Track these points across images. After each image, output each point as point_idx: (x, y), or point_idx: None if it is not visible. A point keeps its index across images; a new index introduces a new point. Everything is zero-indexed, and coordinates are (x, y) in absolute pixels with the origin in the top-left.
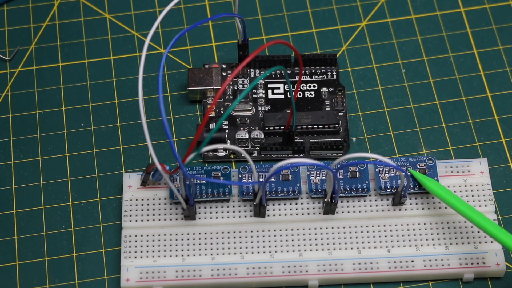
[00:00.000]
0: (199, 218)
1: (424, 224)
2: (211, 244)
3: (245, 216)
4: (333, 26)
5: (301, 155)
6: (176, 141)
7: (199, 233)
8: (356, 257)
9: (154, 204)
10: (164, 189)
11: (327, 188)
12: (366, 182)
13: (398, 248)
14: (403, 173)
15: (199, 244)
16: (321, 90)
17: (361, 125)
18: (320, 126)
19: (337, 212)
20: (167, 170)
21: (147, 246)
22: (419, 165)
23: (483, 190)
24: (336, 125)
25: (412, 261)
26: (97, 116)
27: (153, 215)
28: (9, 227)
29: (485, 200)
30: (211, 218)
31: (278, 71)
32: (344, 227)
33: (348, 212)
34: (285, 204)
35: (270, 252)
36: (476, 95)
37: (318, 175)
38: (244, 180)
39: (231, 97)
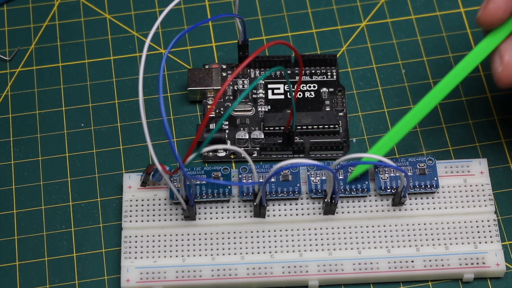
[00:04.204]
0: (199, 219)
1: (424, 224)
2: (211, 244)
3: (245, 217)
4: (333, 26)
5: (301, 155)
6: (176, 141)
7: (199, 234)
8: (356, 257)
9: (154, 205)
10: (164, 190)
11: (327, 188)
12: (366, 183)
13: (398, 248)
14: (403, 173)
15: (199, 245)
16: (321, 91)
17: (361, 125)
18: (320, 126)
19: (337, 213)
20: (167, 170)
21: (147, 246)
22: (419, 165)
23: (483, 190)
24: (336, 126)
25: (412, 261)
26: (97, 116)
27: (153, 215)
28: (9, 227)
29: (485, 200)
30: (211, 218)
31: (278, 71)
32: (344, 227)
33: (348, 212)
34: (285, 205)
35: (270, 252)
36: (476, 95)
37: (318, 176)
38: (244, 181)
39: (231, 98)
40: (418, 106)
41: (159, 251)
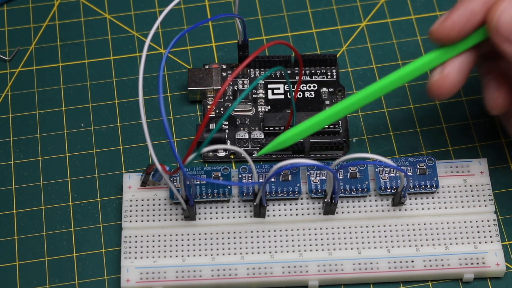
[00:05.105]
0: (199, 219)
1: (424, 224)
2: (211, 244)
3: (245, 217)
4: (333, 26)
5: (301, 155)
6: (176, 141)
7: (199, 234)
8: (356, 257)
9: (154, 205)
10: (164, 190)
11: (327, 188)
12: (366, 183)
13: (398, 248)
14: (403, 173)
15: (199, 245)
16: (321, 91)
17: (361, 125)
18: None
19: (337, 213)
20: (167, 170)
21: (147, 246)
22: (419, 165)
23: (483, 190)
24: (336, 126)
25: (412, 261)
26: (97, 116)
27: (153, 215)
28: (9, 227)
29: (485, 200)
30: (211, 218)
31: (278, 71)
32: (344, 227)
33: (348, 212)
34: (285, 205)
35: (270, 252)
36: (475, 96)
37: (318, 176)
38: (244, 181)
39: (231, 98)
40: (342, 104)
41: (159, 251)
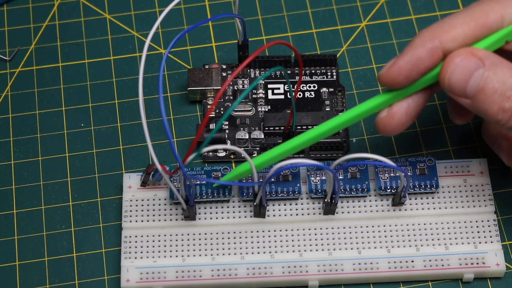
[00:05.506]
0: (199, 219)
1: (424, 224)
2: (211, 244)
3: (245, 217)
4: (333, 26)
5: (301, 155)
6: (176, 141)
7: (199, 234)
8: (356, 257)
9: (154, 205)
10: (164, 190)
11: (327, 188)
12: (366, 183)
13: (398, 248)
14: (403, 173)
15: (199, 245)
16: (321, 91)
17: (361, 125)
18: None
19: (337, 213)
20: (167, 170)
21: (147, 246)
22: (419, 165)
23: (482, 190)
24: None
25: (412, 261)
26: (97, 116)
27: (153, 215)
28: (9, 227)
29: (484, 200)
30: (211, 218)
31: (278, 71)
32: (344, 227)
33: (348, 212)
34: (285, 205)
35: (270, 252)
36: None
37: (318, 176)
38: (244, 181)
39: (231, 98)
40: (302, 136)
41: (159, 251)
